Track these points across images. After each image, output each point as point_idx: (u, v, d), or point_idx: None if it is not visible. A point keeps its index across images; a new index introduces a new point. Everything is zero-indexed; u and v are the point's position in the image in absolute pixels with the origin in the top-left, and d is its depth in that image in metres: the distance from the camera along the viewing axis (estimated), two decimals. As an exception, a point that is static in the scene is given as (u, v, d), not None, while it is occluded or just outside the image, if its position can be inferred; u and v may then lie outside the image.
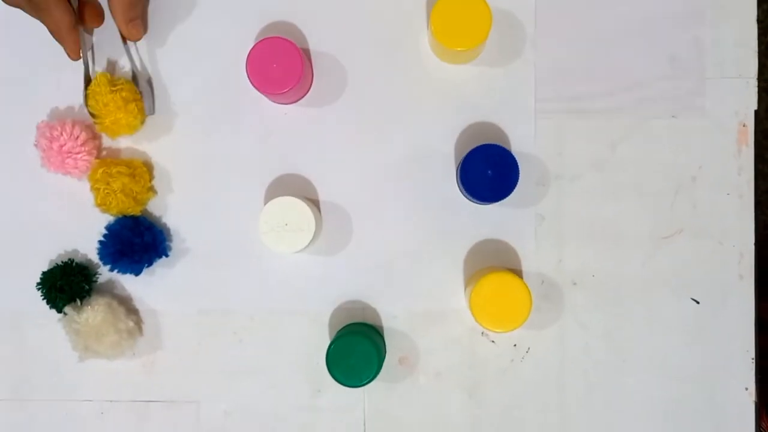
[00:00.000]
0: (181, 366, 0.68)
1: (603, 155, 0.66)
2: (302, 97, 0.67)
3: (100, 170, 0.64)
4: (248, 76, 0.63)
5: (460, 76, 0.67)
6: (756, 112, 0.65)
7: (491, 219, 0.67)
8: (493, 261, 0.67)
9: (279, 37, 0.63)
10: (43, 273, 0.66)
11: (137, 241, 0.65)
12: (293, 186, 0.67)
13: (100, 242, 0.66)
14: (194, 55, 0.68)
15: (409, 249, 0.67)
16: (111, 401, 0.68)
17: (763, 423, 0.87)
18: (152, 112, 0.67)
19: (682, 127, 0.66)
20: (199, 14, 0.68)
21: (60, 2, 0.59)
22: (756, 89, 0.65)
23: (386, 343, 0.67)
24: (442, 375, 0.67)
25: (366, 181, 0.67)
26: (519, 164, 0.62)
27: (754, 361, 0.65)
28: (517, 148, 0.66)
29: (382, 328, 0.67)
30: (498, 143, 0.64)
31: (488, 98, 0.67)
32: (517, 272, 0.66)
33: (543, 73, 0.66)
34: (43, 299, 0.66)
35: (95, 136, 0.67)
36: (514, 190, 0.62)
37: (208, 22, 0.68)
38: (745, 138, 0.66)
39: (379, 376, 0.63)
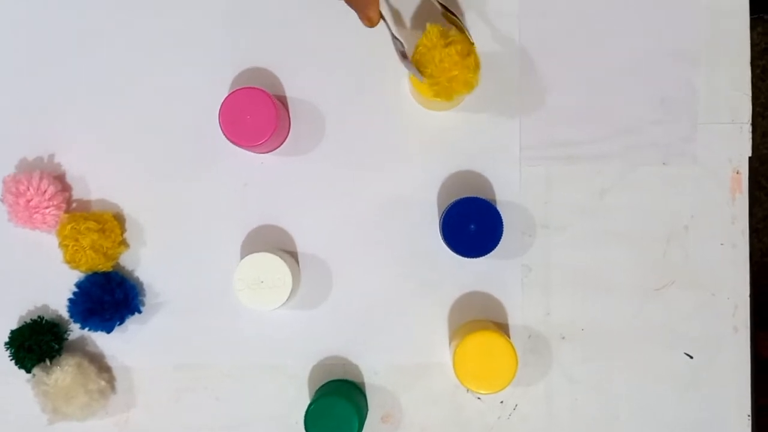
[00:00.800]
0: (155, 424, 0.66)
1: (591, 203, 0.64)
2: (279, 145, 0.65)
3: (69, 226, 0.62)
4: (221, 128, 0.60)
5: (442, 123, 0.64)
6: (750, 159, 0.63)
7: (476, 270, 0.64)
8: (478, 314, 0.64)
9: (253, 88, 0.60)
10: (12, 332, 0.64)
11: (108, 298, 0.63)
12: (270, 237, 0.65)
13: (70, 300, 0.64)
14: (168, 102, 0.65)
15: (391, 301, 0.65)
16: (83, 462, 0.66)
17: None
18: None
19: (674, 174, 0.63)
20: (172, 59, 0.65)
21: None
22: (750, 135, 0.63)
23: (368, 400, 0.65)
24: (426, 432, 0.65)
25: (346, 231, 0.65)
26: (503, 215, 0.60)
27: (750, 417, 0.63)
28: (501, 197, 0.64)
29: (363, 384, 0.65)
30: (481, 194, 0.62)
31: (471, 145, 0.64)
32: (504, 326, 0.64)
33: (528, 118, 0.64)
34: (10, 359, 0.64)
35: (64, 188, 0.65)
36: (500, 241, 0.60)
37: (182, 68, 0.65)
38: (739, 186, 0.63)
39: (360, 436, 0.61)
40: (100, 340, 0.66)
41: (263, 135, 0.60)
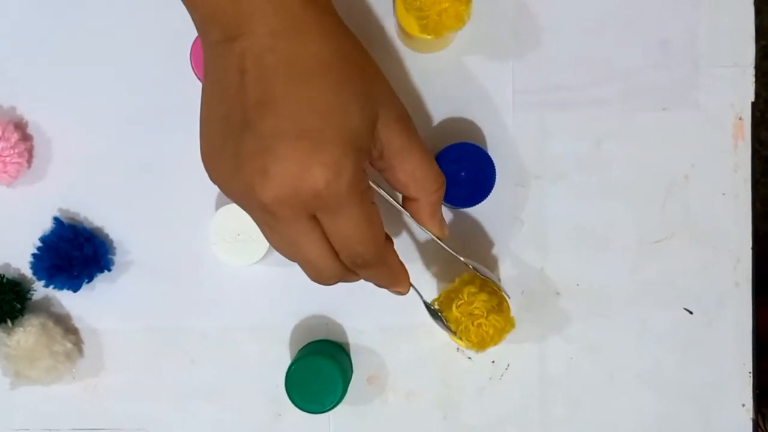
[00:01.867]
0: (127, 390, 0.62)
1: (587, 152, 0.61)
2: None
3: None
4: (193, 68, 0.56)
5: (431, 66, 0.60)
6: (753, 103, 0.60)
7: (467, 223, 0.61)
8: (468, 269, 0.61)
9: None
10: None
11: (76, 254, 0.59)
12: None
13: (34, 255, 0.60)
14: (138, 44, 0.61)
15: (377, 257, 0.61)
16: (50, 430, 0.62)
17: None
18: None
19: (674, 120, 0.60)
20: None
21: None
22: (753, 79, 0.60)
23: (353, 362, 0.61)
24: (414, 394, 0.62)
25: (328, 183, 0.61)
26: (495, 164, 0.56)
27: (751, 375, 0.60)
28: (493, 146, 0.60)
29: (348, 344, 0.62)
30: (472, 140, 0.59)
31: (461, 90, 0.60)
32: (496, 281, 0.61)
33: (522, 61, 0.60)
34: None
35: (26, 137, 0.60)
36: (491, 193, 0.56)
37: (151, 17, 0.61)
38: (741, 132, 0.60)
39: (345, 398, 0.58)
40: (66, 299, 0.62)
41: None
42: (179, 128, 0.61)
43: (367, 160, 0.42)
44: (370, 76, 0.43)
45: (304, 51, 0.39)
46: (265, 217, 0.41)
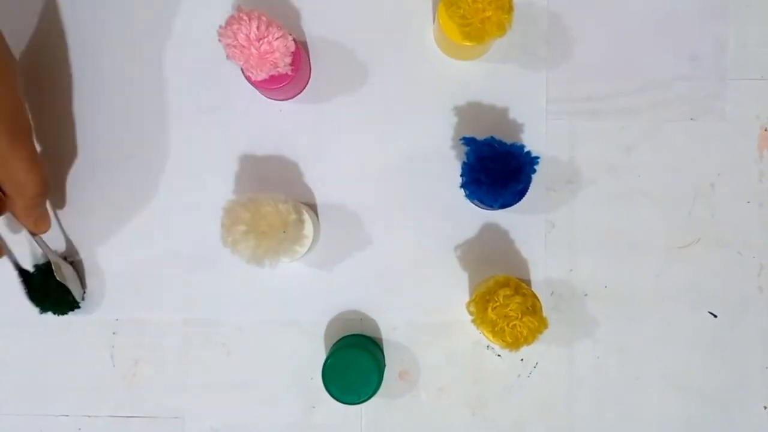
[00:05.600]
0: (164, 379, 0.63)
1: (617, 159, 0.63)
2: (299, 93, 0.63)
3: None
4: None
5: (467, 74, 0.63)
6: (778, 116, 0.62)
7: (499, 225, 0.63)
8: (500, 270, 0.63)
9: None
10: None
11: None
12: (289, 189, 0.63)
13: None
14: (180, 43, 0.63)
15: (411, 256, 0.63)
16: (89, 416, 0.64)
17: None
18: (81, 298, 0.63)
19: (701, 130, 0.62)
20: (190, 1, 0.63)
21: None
22: (779, 92, 0.62)
23: (386, 357, 0.63)
24: (444, 391, 0.63)
25: (366, 183, 0.63)
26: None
27: (773, 378, 0.62)
28: (526, 151, 0.62)
29: (381, 340, 0.63)
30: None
31: (497, 98, 0.63)
32: (526, 282, 0.62)
33: (555, 71, 0.62)
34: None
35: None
36: (525, 196, 0.58)
37: (199, 10, 0.63)
38: (766, 143, 0.62)
39: (378, 392, 0.59)
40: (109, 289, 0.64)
41: (285, 77, 0.58)
42: (224, 127, 0.63)
43: None
44: None
45: None
46: None
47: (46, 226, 0.60)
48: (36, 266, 0.62)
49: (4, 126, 0.52)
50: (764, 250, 0.62)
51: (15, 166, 0.53)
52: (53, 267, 0.60)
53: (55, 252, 0.62)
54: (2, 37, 0.55)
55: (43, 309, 0.62)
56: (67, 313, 0.62)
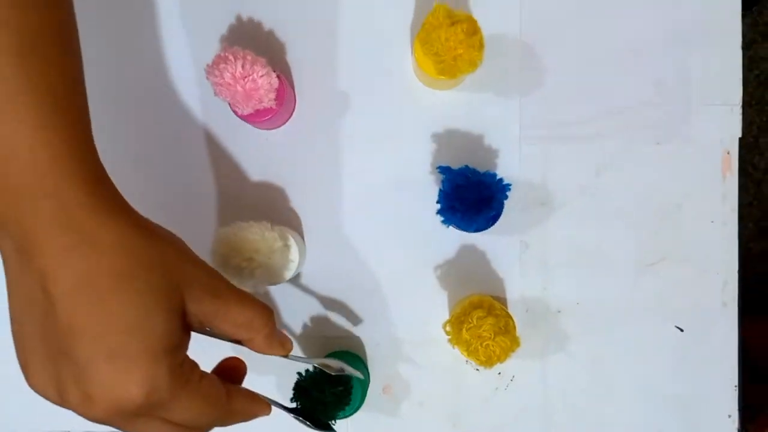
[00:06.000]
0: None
1: (588, 182, 0.66)
2: (284, 123, 0.66)
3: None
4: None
5: (445, 103, 0.66)
6: (746, 129, 0.65)
7: (476, 246, 0.66)
8: (478, 289, 0.66)
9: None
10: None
11: None
12: (276, 215, 0.66)
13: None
14: (162, 74, 0.66)
15: (393, 276, 0.66)
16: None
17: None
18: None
19: (667, 154, 0.65)
20: (170, 25, 0.66)
21: None
22: (740, 117, 0.65)
23: (370, 372, 0.67)
24: (425, 404, 0.67)
25: (348, 207, 0.66)
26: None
27: (737, 388, 0.65)
28: (501, 175, 0.65)
29: (365, 355, 0.67)
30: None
31: (473, 125, 0.66)
32: (502, 300, 0.66)
33: (528, 99, 0.66)
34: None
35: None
36: (499, 219, 0.62)
37: (179, 36, 0.66)
38: (729, 166, 0.65)
39: (362, 406, 0.63)
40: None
41: (269, 110, 0.61)
42: (212, 156, 0.66)
43: (184, 350, 0.44)
44: (171, 264, 0.42)
45: (98, 267, 0.39)
46: (107, 423, 0.42)
47: (290, 341, 0.52)
48: (298, 384, 0.60)
49: (204, 281, 0.45)
50: (727, 267, 0.65)
51: (231, 311, 0.46)
52: (321, 368, 0.57)
53: (307, 357, 0.60)
54: None
55: (343, 415, 0.60)
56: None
